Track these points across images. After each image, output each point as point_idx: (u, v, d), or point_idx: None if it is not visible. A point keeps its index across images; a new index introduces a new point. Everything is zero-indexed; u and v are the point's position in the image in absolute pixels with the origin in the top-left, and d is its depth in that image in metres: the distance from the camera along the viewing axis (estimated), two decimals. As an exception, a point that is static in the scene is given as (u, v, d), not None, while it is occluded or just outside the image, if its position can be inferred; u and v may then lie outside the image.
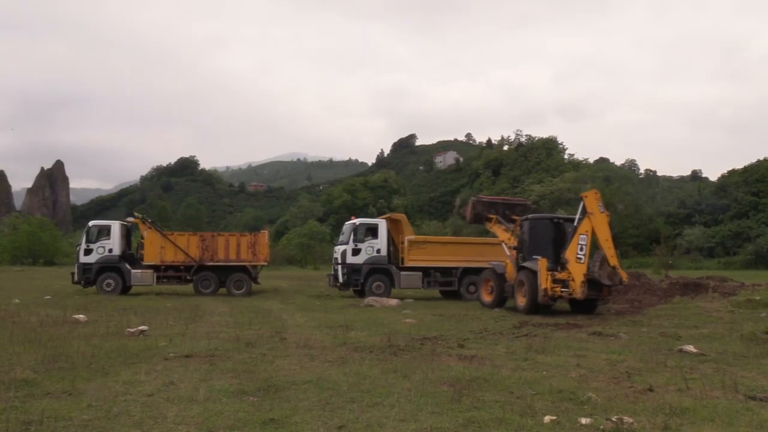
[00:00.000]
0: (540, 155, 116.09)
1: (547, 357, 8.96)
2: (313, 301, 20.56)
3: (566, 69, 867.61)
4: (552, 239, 17.05)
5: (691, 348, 9.46)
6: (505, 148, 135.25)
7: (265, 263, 25.27)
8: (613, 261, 15.72)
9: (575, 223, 16.08)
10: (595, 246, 16.07)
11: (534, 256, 16.48)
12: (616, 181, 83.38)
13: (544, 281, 15.55)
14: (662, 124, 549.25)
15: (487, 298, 18.88)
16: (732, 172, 77.31)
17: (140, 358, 8.69)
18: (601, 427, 5.32)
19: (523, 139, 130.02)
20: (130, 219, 25.28)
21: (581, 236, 15.63)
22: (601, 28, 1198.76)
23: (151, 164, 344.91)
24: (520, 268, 17.09)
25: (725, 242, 62.17)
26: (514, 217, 19.77)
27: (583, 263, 15.53)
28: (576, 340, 10.83)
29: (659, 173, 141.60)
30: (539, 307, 16.05)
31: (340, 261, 22.74)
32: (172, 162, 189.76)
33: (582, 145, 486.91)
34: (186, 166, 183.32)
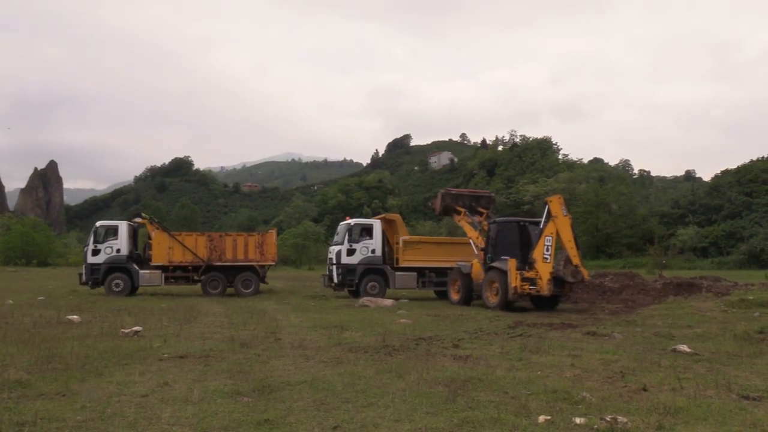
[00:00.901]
0: (534, 155, 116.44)
1: (541, 357, 8.98)
2: (307, 302, 20.55)
3: (561, 69, 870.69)
4: (518, 241, 18.30)
5: (684, 348, 9.49)
6: (500, 148, 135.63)
7: (273, 263, 25.41)
8: (576, 260, 16.81)
9: (541, 226, 17.23)
10: (558, 246, 17.06)
11: (503, 257, 17.61)
12: (610, 181, 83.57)
13: (514, 280, 16.68)
14: (656, 125, 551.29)
15: (455, 296, 19.96)
16: (725, 172, 77.58)
17: (134, 358, 8.66)
18: (596, 426, 5.33)
19: (517, 140, 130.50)
20: (138, 219, 25.35)
21: (547, 238, 16.78)
22: (596, 29, 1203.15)
23: (145, 164, 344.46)
24: (489, 268, 18.05)
25: (718, 242, 62.39)
26: (480, 210, 21.04)
27: (549, 262, 16.65)
28: (570, 340, 10.85)
29: (653, 173, 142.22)
30: (510, 303, 17.11)
31: (334, 261, 22.72)
32: (167, 162, 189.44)
33: (576, 145, 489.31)
34: (180, 167, 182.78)
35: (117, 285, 23.41)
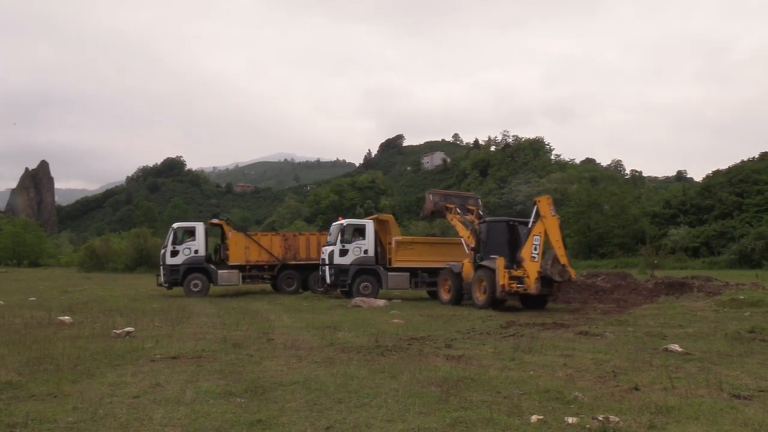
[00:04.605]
0: (527, 156, 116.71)
1: (534, 357, 8.99)
2: (300, 302, 20.52)
3: (554, 70, 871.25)
4: (507, 240, 18.33)
5: (676, 347, 9.52)
6: (493, 148, 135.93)
7: None
8: (563, 260, 16.95)
9: (530, 226, 17.31)
10: (546, 246, 17.21)
11: (491, 256, 17.62)
12: (602, 181, 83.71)
13: (502, 278, 16.82)
14: (648, 125, 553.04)
15: (445, 296, 19.96)
16: (716, 173, 77.71)
17: (126, 359, 8.63)
18: (588, 426, 5.34)
19: (510, 140, 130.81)
20: (215, 221, 26.23)
21: (535, 237, 16.94)
22: (589, 30, 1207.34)
23: (137, 165, 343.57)
24: (478, 267, 18.15)
25: (710, 242, 62.50)
26: (470, 207, 21.49)
27: (536, 261, 16.80)
28: (563, 340, 10.87)
29: (645, 174, 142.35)
30: (497, 301, 17.31)
31: (327, 262, 22.69)
32: (159, 162, 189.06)
33: (569, 145, 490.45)
34: (172, 167, 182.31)
35: (195, 285, 23.94)
